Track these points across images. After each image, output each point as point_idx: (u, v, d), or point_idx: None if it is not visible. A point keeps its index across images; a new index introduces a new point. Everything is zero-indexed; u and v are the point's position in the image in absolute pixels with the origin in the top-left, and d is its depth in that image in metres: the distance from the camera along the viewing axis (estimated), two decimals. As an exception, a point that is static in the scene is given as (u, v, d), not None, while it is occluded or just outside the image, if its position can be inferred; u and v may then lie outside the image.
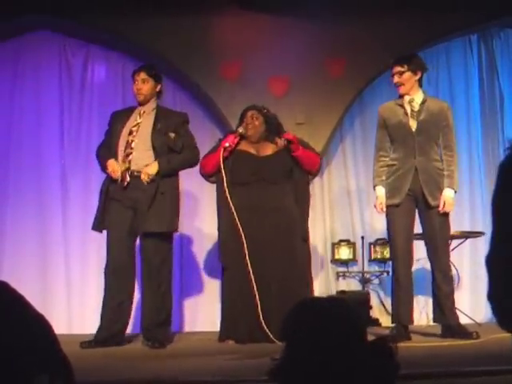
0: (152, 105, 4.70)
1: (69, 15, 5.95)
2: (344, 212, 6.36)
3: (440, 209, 4.50)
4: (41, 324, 1.46)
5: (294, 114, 5.98)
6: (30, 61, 6.20)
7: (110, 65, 6.33)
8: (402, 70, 4.56)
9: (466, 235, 5.74)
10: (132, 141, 4.52)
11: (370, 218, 6.32)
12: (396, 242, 4.57)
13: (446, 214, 4.55)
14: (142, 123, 4.59)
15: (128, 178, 4.45)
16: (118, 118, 4.70)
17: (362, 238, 6.16)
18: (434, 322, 4.71)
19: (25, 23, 6.04)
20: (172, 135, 4.61)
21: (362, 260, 6.12)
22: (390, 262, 6.01)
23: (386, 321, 5.73)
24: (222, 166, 4.61)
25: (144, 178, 4.41)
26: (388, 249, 6.04)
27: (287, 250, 4.59)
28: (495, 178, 1.41)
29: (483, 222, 6.25)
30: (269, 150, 4.77)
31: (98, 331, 4.53)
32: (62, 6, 5.82)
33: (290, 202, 4.69)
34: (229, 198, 4.55)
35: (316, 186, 6.35)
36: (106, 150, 4.63)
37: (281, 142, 4.72)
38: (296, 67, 6.02)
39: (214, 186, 4.88)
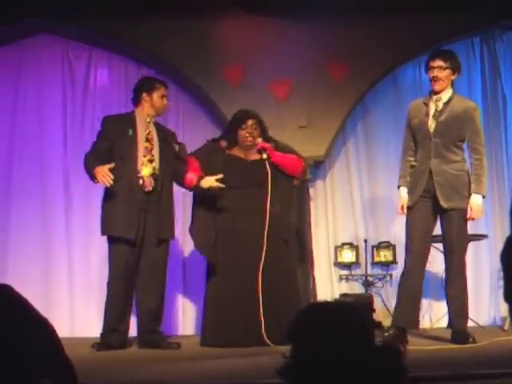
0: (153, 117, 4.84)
1: (69, 19, 5.95)
2: (347, 215, 6.36)
3: (468, 216, 4.41)
4: (44, 327, 1.47)
5: (297, 117, 5.98)
6: (32, 64, 6.21)
7: (113, 68, 6.34)
8: (445, 65, 4.41)
9: (469, 238, 5.73)
10: (152, 148, 4.65)
11: (372, 221, 6.32)
12: (408, 244, 4.48)
13: (458, 217, 4.44)
14: (152, 132, 4.73)
15: (153, 183, 4.58)
16: (124, 124, 4.71)
17: (365, 241, 6.15)
18: (448, 327, 4.61)
19: (26, 27, 6.05)
20: (176, 146, 4.80)
21: (365, 263, 6.11)
22: (395, 265, 6.05)
23: (389, 324, 5.72)
24: (270, 174, 4.67)
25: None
26: (391, 252, 6.06)
27: (273, 254, 4.59)
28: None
29: (486, 224, 6.24)
30: (257, 155, 4.80)
31: (107, 335, 4.60)
32: (63, 9, 5.82)
33: (276, 207, 4.71)
34: (268, 202, 4.62)
35: (319, 189, 6.35)
36: (95, 158, 4.60)
37: (262, 155, 4.75)
38: (298, 70, 6.02)
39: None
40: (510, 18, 6.18)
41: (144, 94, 4.73)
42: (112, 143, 4.63)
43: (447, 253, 4.49)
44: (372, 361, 1.50)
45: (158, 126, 4.82)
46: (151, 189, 4.57)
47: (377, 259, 6.13)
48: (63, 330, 5.46)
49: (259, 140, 4.76)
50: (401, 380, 1.54)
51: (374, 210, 6.34)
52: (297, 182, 4.92)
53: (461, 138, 4.46)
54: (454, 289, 4.45)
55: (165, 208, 4.64)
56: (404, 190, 4.55)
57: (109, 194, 4.60)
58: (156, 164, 4.62)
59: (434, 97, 4.47)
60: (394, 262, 6.04)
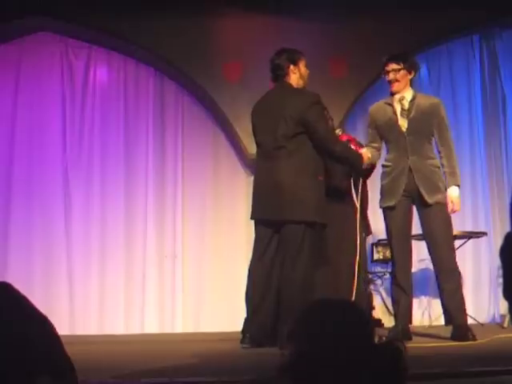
0: None
1: (69, 17, 5.96)
2: (346, 213, 6.35)
3: (449, 210, 4.44)
4: (44, 325, 1.46)
5: (296, 114, 5.97)
6: (31, 63, 6.22)
7: (112, 66, 6.35)
8: (398, 67, 4.52)
9: (468, 235, 5.74)
10: None
11: (372, 219, 6.31)
12: (394, 244, 4.53)
13: (441, 212, 4.45)
14: None
15: None
16: None
17: (364, 238, 6.15)
18: (446, 324, 4.54)
19: (25, 25, 6.05)
20: None
21: (364, 261, 6.11)
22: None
23: (388, 321, 5.73)
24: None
25: None
26: (389, 250, 6.06)
27: (349, 248, 4.59)
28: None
29: (485, 221, 6.25)
30: None
31: None
32: (63, 8, 5.83)
33: (348, 202, 4.71)
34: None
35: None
36: None
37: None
38: (298, 68, 6.01)
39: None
40: (509, 15, 6.18)
41: (291, 67, 4.38)
42: None
43: (435, 249, 4.47)
44: (372, 359, 1.50)
45: None
46: None
47: (376, 257, 6.14)
48: (63, 327, 5.48)
49: (339, 132, 4.79)
50: (401, 378, 1.54)
51: (373, 207, 6.34)
52: (367, 176, 4.85)
53: (432, 133, 4.54)
54: (451, 285, 4.44)
55: None
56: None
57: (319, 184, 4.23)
58: None
59: (397, 97, 4.55)
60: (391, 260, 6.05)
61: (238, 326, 4.41)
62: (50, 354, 1.42)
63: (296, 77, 4.39)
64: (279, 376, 1.56)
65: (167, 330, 6.05)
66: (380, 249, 6.10)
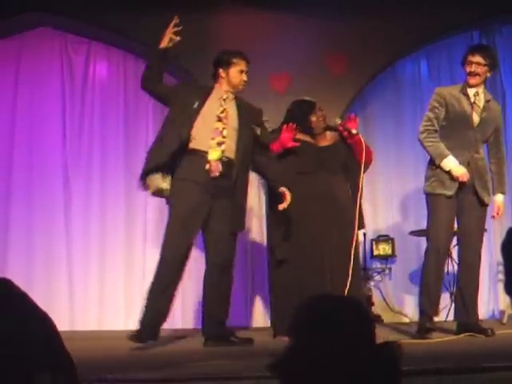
0: (232, 94, 4.39)
1: (69, 13, 5.95)
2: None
3: (494, 215, 4.50)
4: (44, 321, 1.47)
5: (296, 110, 5.97)
6: (31, 58, 6.22)
7: (112, 61, 6.35)
8: (484, 62, 4.49)
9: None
10: (224, 129, 4.20)
11: (371, 215, 6.32)
12: (439, 233, 4.42)
13: (485, 212, 4.51)
14: (229, 111, 4.29)
15: (220, 169, 4.14)
16: (193, 94, 4.29)
17: (364, 234, 6.15)
18: (456, 318, 4.60)
19: (25, 21, 6.04)
20: (258, 130, 4.38)
21: (364, 256, 6.12)
22: (394, 258, 6.06)
23: (387, 317, 5.74)
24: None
25: None
26: (390, 245, 6.06)
27: (345, 240, 4.54)
28: None
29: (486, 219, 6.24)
30: (326, 141, 4.80)
31: None
32: (63, 3, 5.82)
33: (347, 193, 4.71)
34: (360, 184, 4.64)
35: (317, 183, 6.35)
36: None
37: (351, 131, 4.68)
38: (297, 64, 6.02)
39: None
40: (508, 11, 6.17)
41: (220, 70, 4.34)
42: (171, 103, 4.27)
43: (466, 247, 4.49)
44: (370, 357, 1.49)
45: (240, 104, 4.37)
46: (217, 174, 4.13)
47: (376, 253, 6.14)
48: (63, 323, 5.48)
49: (338, 120, 4.79)
50: (396, 378, 1.53)
51: (373, 203, 6.35)
52: (365, 169, 4.76)
53: (489, 137, 4.57)
54: (473, 286, 4.50)
55: (239, 199, 4.26)
56: (453, 159, 4.41)
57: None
58: (228, 147, 4.17)
59: (472, 90, 4.52)
60: (393, 255, 6.05)
61: (237, 321, 4.43)
62: (50, 351, 1.43)
63: (224, 81, 4.37)
64: (272, 373, 1.55)
65: (166, 325, 6.04)
66: (380, 245, 6.11)
